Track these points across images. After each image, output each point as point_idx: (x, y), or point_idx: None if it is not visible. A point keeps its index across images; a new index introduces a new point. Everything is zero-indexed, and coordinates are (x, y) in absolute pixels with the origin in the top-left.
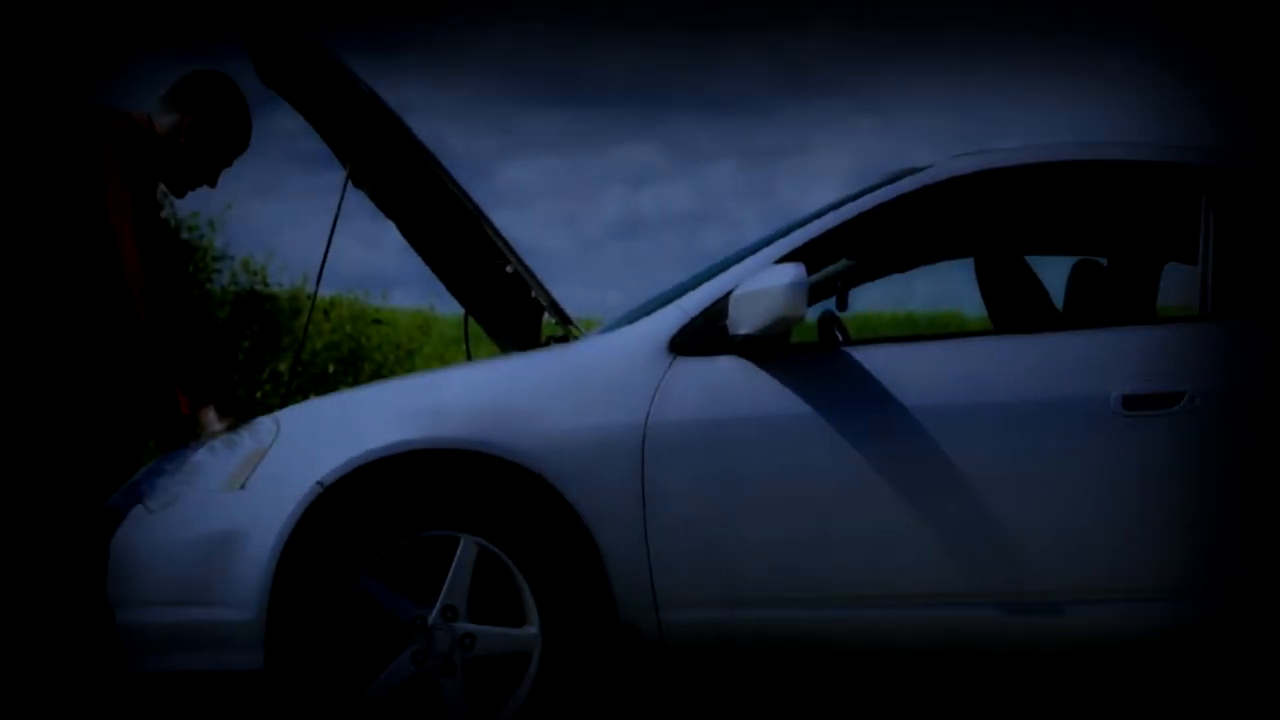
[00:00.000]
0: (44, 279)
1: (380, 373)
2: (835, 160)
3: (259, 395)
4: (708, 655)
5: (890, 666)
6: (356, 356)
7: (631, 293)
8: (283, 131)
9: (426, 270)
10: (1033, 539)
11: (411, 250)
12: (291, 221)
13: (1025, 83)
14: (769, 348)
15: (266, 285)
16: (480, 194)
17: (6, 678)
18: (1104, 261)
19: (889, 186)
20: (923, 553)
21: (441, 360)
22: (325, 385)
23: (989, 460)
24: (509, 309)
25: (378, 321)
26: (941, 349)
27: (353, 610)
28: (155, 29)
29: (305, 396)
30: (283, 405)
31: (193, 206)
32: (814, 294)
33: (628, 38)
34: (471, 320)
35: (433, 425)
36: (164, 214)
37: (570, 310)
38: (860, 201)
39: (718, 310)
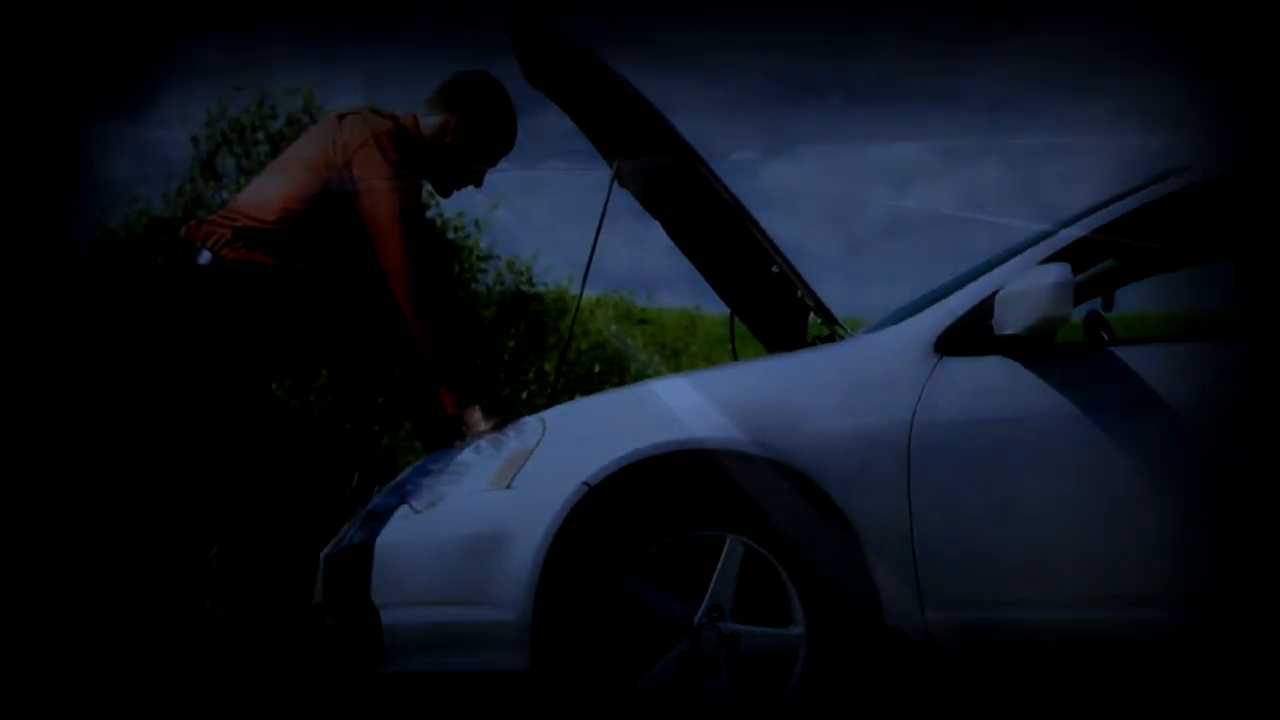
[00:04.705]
0: (307, 283)
1: (646, 373)
2: (1100, 160)
3: (524, 395)
4: (973, 656)
5: (1153, 667)
6: (622, 356)
7: (897, 292)
8: (548, 132)
9: (692, 270)
10: None
11: (677, 250)
12: (558, 222)
13: None
14: (1034, 348)
15: (532, 285)
16: (745, 194)
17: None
18: None
19: (1154, 186)
20: (1189, 556)
21: (707, 360)
22: (591, 385)
23: (1252, 463)
24: (775, 309)
25: (643, 321)
26: (1206, 350)
27: (618, 610)
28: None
29: (571, 396)
30: (548, 405)
31: (458, 207)
32: (1080, 294)
33: (896, 35)
34: (737, 320)
35: (699, 425)
36: (430, 214)
37: (835, 310)
38: (1125, 202)
39: (983, 310)
